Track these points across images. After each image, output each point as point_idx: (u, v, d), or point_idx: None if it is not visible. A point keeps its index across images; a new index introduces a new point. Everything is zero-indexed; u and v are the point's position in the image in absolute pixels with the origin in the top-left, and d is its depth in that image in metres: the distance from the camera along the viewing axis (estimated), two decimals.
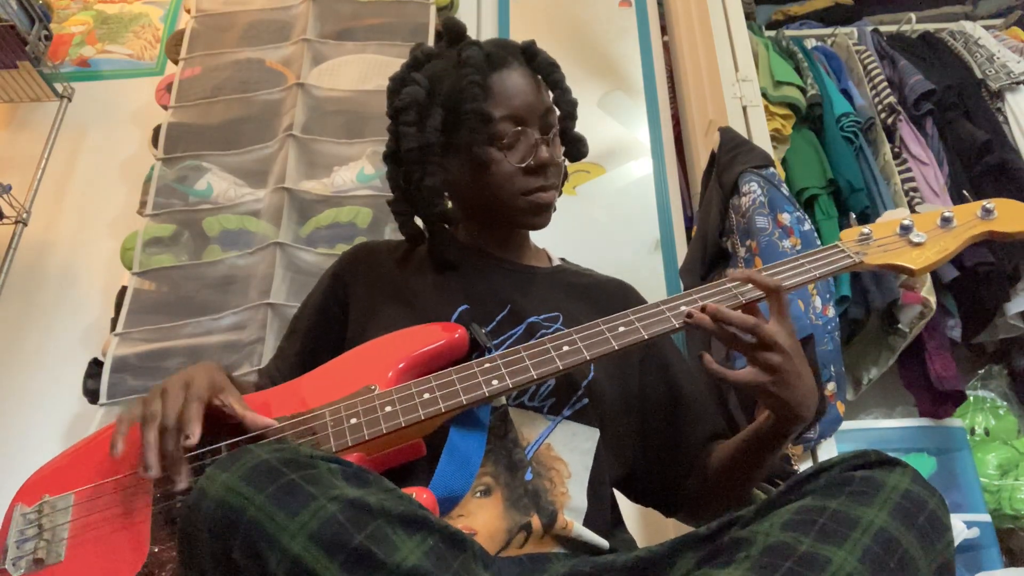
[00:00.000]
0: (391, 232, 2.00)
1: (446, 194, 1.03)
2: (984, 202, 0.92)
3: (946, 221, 0.92)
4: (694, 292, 0.87)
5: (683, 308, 0.85)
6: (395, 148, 1.04)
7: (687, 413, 1.01)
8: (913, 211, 1.91)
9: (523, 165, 0.96)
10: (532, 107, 0.98)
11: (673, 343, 1.09)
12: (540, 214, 1.00)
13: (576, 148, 1.03)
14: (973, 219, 0.92)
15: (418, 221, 1.07)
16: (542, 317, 0.96)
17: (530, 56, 1.01)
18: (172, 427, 0.76)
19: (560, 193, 1.07)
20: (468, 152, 0.97)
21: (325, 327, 1.05)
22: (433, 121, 0.97)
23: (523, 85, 0.98)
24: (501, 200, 0.98)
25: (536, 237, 1.13)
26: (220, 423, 0.80)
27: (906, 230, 0.91)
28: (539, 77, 1.01)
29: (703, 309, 0.82)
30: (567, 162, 1.07)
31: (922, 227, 0.92)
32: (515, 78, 0.98)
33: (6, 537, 0.77)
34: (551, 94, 1.02)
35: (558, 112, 1.02)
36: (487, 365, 0.83)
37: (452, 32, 1.04)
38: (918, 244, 0.90)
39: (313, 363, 0.94)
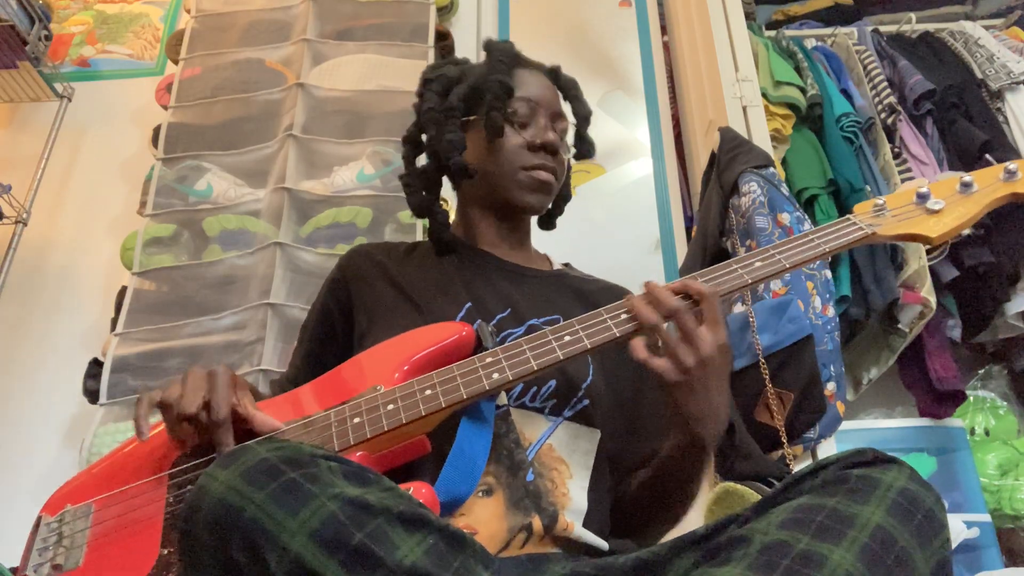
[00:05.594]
0: (391, 232, 2.01)
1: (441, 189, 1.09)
2: (1007, 164, 0.86)
3: (966, 186, 0.86)
4: (696, 275, 0.85)
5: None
6: (416, 126, 1.11)
7: (638, 425, 0.99)
8: None
9: (529, 141, 1.03)
10: (548, 102, 1.06)
11: None
12: (536, 191, 1.04)
13: (586, 146, 1.10)
14: (995, 182, 0.87)
15: (428, 226, 1.10)
16: (542, 320, 0.96)
17: (555, 75, 1.11)
18: (196, 409, 0.78)
19: (557, 208, 1.14)
20: (485, 120, 1.02)
21: (330, 333, 1.06)
22: (459, 91, 1.05)
23: (543, 84, 1.07)
24: (503, 172, 1.03)
25: (536, 236, 1.14)
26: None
27: (923, 198, 0.87)
28: (560, 91, 1.10)
29: (645, 285, 0.82)
30: (573, 160, 1.12)
31: (940, 194, 0.87)
32: (538, 77, 1.08)
33: (31, 546, 0.80)
34: (569, 106, 1.10)
35: (573, 119, 1.10)
36: (488, 359, 0.82)
37: (489, 48, 1.11)
38: (936, 212, 0.85)
39: (320, 370, 0.94)
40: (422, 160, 1.12)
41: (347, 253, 1.11)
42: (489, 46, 1.10)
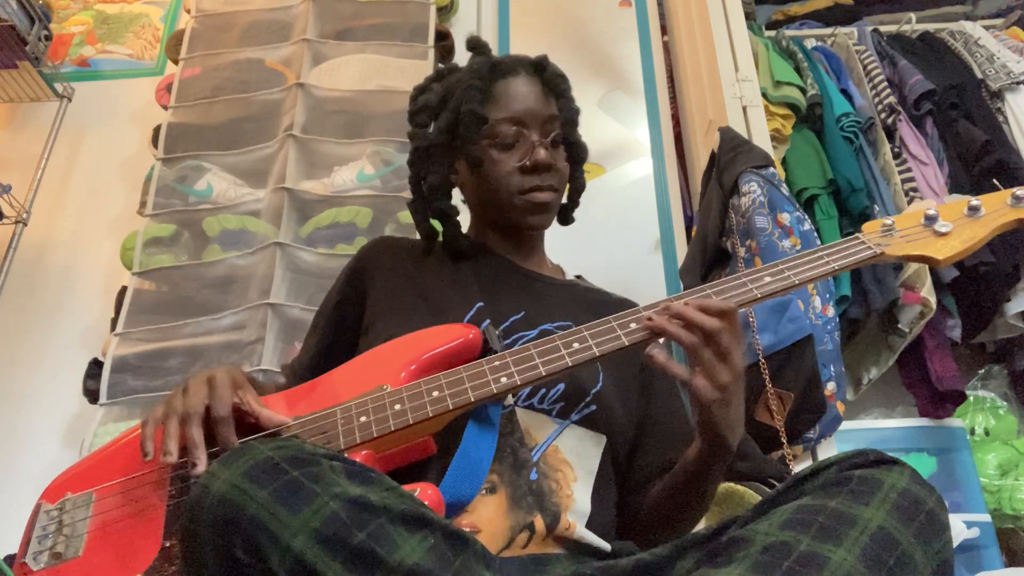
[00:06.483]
0: (391, 232, 2.01)
1: (453, 191, 1.07)
2: (1015, 189, 0.86)
3: (973, 210, 0.87)
4: (707, 287, 0.85)
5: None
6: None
7: (647, 436, 0.99)
8: None
9: (519, 164, 1.00)
10: (534, 112, 1.02)
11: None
12: (536, 213, 1.03)
13: (575, 152, 1.08)
14: (1003, 207, 0.87)
15: (435, 225, 1.10)
16: (555, 324, 0.96)
17: (540, 68, 1.06)
18: (194, 414, 0.77)
19: (573, 201, 1.13)
20: (466, 152, 1.01)
21: (343, 320, 1.07)
22: (440, 123, 1.03)
23: (526, 92, 1.03)
24: (500, 199, 1.02)
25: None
26: (237, 423, 0.80)
27: (931, 220, 0.87)
28: (546, 88, 1.05)
29: (666, 309, 0.81)
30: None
31: (948, 216, 0.87)
32: (519, 85, 1.03)
33: (30, 534, 0.80)
34: (557, 104, 1.06)
35: (561, 119, 1.06)
36: (496, 363, 0.83)
37: (472, 47, 1.09)
38: (943, 234, 0.86)
39: (332, 356, 0.96)
40: None
41: (369, 243, 1.13)
42: (471, 47, 1.08)
